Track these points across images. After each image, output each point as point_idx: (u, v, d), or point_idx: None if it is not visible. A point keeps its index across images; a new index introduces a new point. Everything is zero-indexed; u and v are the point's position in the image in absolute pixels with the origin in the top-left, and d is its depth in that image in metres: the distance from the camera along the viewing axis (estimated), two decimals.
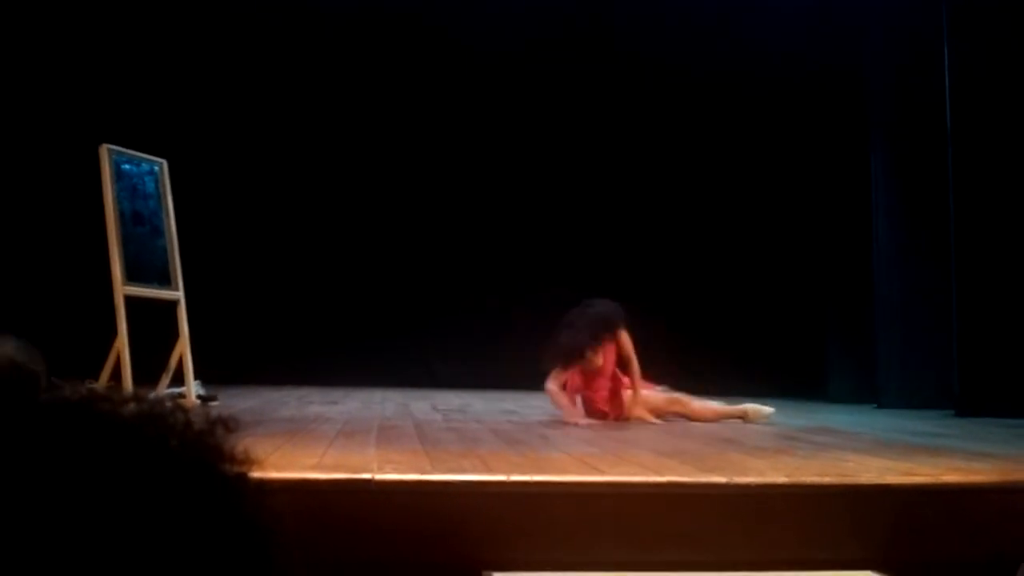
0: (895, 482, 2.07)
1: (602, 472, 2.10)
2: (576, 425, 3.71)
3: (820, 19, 6.27)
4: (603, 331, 3.97)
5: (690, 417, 4.15)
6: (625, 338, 4.07)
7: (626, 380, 4.10)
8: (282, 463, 2.06)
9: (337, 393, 5.38)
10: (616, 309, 4.05)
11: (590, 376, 4.08)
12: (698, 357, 6.39)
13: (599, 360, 4.02)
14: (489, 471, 2.04)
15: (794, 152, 6.65)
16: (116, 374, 3.81)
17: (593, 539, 1.91)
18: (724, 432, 3.39)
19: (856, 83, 5.97)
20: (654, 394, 4.20)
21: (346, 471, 1.95)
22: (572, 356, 3.92)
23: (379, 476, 1.91)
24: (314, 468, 2.01)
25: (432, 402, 4.87)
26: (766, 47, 6.48)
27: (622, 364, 4.13)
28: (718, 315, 6.66)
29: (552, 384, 3.96)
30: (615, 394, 4.10)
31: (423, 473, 1.97)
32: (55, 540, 0.48)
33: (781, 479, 2.05)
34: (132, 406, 0.54)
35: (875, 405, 5.39)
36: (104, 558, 0.48)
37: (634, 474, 2.08)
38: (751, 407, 4.19)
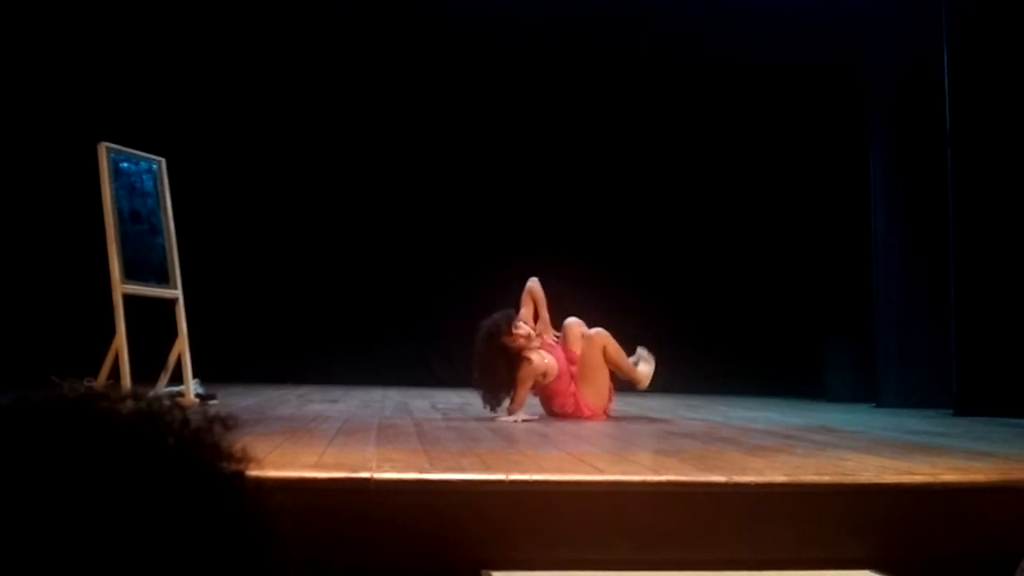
0: (894, 481, 2.07)
1: (601, 471, 2.10)
2: (515, 422, 3.63)
3: (820, 17, 6.27)
4: (496, 340, 3.80)
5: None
6: (522, 316, 3.96)
7: (574, 371, 4.01)
8: (281, 462, 2.06)
9: (337, 392, 5.38)
10: (487, 325, 3.88)
11: (552, 385, 3.98)
12: (696, 356, 6.39)
13: (540, 360, 3.88)
14: (488, 470, 2.04)
15: (792, 151, 6.66)
16: (115, 372, 3.81)
17: (592, 538, 1.91)
18: (723, 432, 3.39)
19: (855, 82, 5.98)
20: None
21: (345, 470, 1.95)
22: (500, 385, 3.79)
23: (378, 475, 1.91)
24: (313, 467, 2.01)
25: (432, 401, 4.87)
26: (766, 46, 6.48)
27: (537, 318, 4.02)
28: (715, 314, 6.66)
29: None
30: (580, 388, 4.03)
31: (422, 472, 1.97)
32: (52, 538, 0.48)
33: (780, 478, 2.05)
34: (130, 404, 0.54)
35: (873, 404, 5.39)
36: (101, 556, 0.48)
37: (633, 473, 2.08)
38: (642, 369, 4.09)
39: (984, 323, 4.68)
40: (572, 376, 4.04)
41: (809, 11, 6.34)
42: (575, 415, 4.00)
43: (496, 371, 3.80)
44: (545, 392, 4.05)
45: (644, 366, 4.19)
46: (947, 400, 4.79)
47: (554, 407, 4.07)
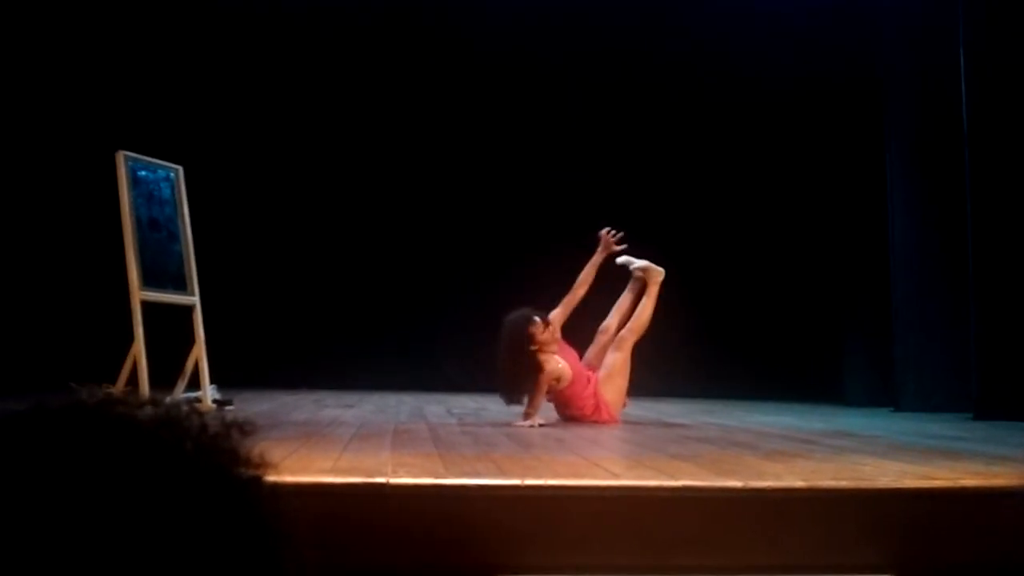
0: (913, 486, 2.05)
1: (617, 476, 2.10)
2: (531, 426, 3.63)
3: (835, 19, 6.24)
4: (519, 340, 3.81)
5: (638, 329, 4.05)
6: (552, 317, 3.95)
7: (591, 375, 3.98)
8: (296, 467, 2.07)
9: (352, 396, 5.40)
10: (515, 316, 3.90)
11: (567, 390, 3.94)
12: (712, 360, 6.36)
13: (556, 365, 3.85)
14: (503, 475, 2.04)
15: (809, 155, 6.62)
16: (133, 379, 3.84)
17: (607, 543, 1.91)
18: (740, 436, 3.37)
19: (871, 83, 5.94)
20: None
21: (360, 475, 1.96)
22: (518, 383, 3.79)
23: (393, 480, 1.92)
24: (328, 472, 2.02)
25: (447, 405, 4.88)
26: (782, 50, 6.45)
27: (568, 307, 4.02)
28: (734, 319, 6.63)
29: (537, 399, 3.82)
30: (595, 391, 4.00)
31: (437, 477, 1.97)
32: (70, 542, 0.49)
33: (798, 483, 2.03)
34: (149, 410, 0.54)
35: (892, 408, 5.35)
36: (120, 560, 0.48)
37: (649, 478, 2.07)
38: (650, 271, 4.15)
39: (1004, 326, 4.63)
40: (589, 380, 4.02)
41: (823, 11, 6.30)
42: (593, 418, 3.98)
43: (520, 363, 3.81)
44: (560, 398, 4.02)
45: (640, 264, 4.22)
46: (967, 403, 4.73)
47: (571, 411, 4.02)
